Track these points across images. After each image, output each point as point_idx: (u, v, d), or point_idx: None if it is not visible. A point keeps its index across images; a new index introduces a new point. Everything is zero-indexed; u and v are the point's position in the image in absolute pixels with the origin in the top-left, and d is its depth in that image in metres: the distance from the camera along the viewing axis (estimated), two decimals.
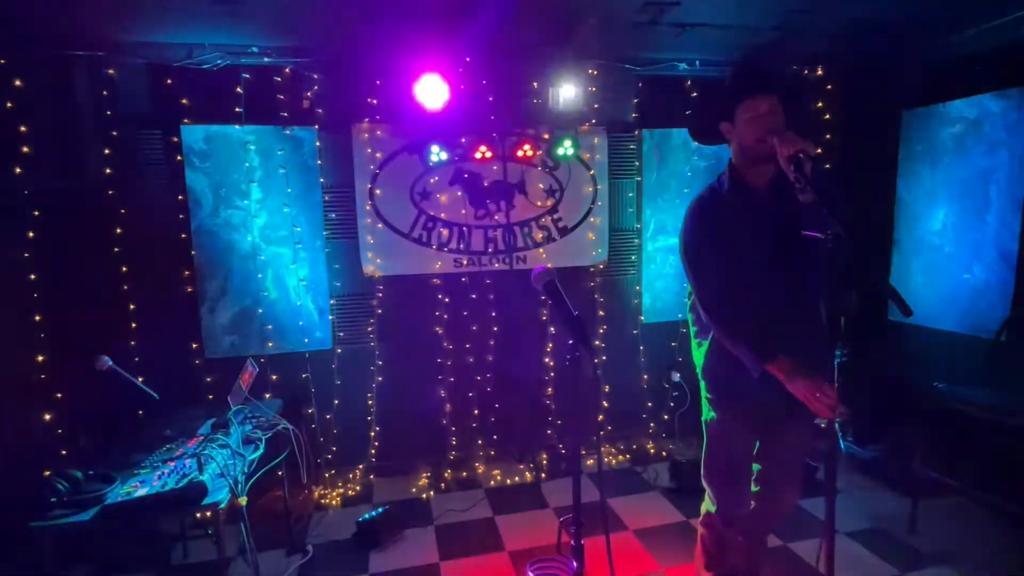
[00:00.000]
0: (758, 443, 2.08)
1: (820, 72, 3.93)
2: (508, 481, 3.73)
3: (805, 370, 1.74)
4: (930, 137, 3.63)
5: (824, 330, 1.92)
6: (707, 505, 2.21)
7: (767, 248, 1.85)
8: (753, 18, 3.18)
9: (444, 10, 2.89)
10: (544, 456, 3.91)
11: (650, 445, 4.08)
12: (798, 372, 1.75)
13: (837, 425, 3.69)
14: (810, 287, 1.86)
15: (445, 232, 3.79)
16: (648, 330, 4.16)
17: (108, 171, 3.26)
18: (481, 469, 3.85)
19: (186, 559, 2.96)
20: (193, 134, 3.36)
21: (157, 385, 2.69)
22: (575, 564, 1.80)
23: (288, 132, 3.49)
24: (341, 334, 3.73)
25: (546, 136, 3.80)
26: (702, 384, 2.12)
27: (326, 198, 3.62)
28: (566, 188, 3.92)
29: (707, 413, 2.11)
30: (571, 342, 1.71)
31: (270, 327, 3.57)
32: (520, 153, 3.78)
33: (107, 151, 3.25)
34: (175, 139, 3.34)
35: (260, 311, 3.55)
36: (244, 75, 3.35)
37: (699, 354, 2.10)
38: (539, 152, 3.82)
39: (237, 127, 3.41)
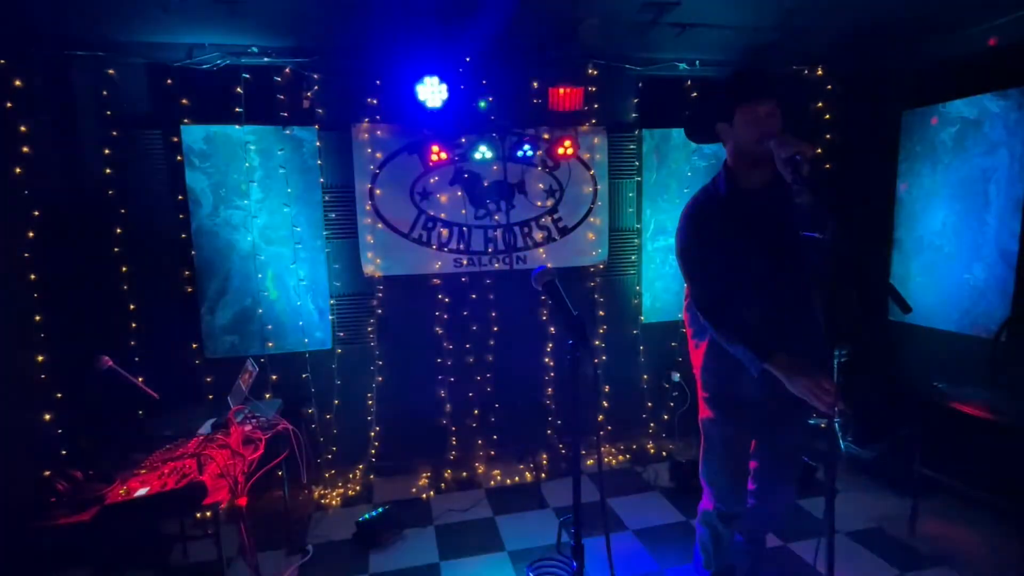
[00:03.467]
0: (755, 441, 2.09)
1: (820, 72, 3.93)
2: (508, 481, 3.73)
3: (804, 367, 1.74)
4: (930, 137, 3.63)
5: (822, 329, 1.92)
6: (705, 504, 2.22)
7: (763, 249, 1.85)
8: (753, 18, 3.18)
9: (444, 10, 2.90)
10: (544, 456, 3.91)
11: (650, 445, 4.08)
12: (797, 369, 1.74)
13: (837, 425, 3.69)
14: (808, 287, 1.86)
15: (445, 232, 3.79)
16: (648, 330, 4.16)
17: (108, 171, 3.27)
18: (481, 469, 3.85)
19: (186, 559, 2.96)
20: (193, 134, 3.36)
21: (157, 385, 2.69)
22: (575, 564, 1.80)
23: (288, 132, 3.49)
24: (341, 334, 3.73)
25: (546, 136, 3.80)
26: (699, 384, 2.12)
27: (326, 198, 3.62)
28: (566, 188, 3.92)
29: (704, 412, 2.11)
30: (571, 342, 1.71)
31: (270, 327, 3.57)
32: (520, 153, 3.78)
33: (107, 151, 3.26)
34: (175, 139, 3.34)
35: (260, 311, 3.55)
36: (244, 75, 3.36)
37: (696, 355, 2.10)
38: (539, 152, 3.82)
39: (237, 127, 3.41)
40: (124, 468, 2.25)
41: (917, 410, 2.99)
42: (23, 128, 2.97)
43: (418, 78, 3.32)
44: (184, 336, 3.45)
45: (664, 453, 3.98)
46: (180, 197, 3.39)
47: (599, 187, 3.97)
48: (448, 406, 3.86)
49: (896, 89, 3.80)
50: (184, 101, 3.31)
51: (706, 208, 1.95)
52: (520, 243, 3.90)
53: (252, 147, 3.45)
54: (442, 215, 3.77)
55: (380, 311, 3.74)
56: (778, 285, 1.87)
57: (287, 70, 3.41)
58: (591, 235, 4.00)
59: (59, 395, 3.04)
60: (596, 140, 3.93)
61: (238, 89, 3.36)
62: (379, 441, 3.78)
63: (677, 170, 4.08)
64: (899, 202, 3.86)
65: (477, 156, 3.72)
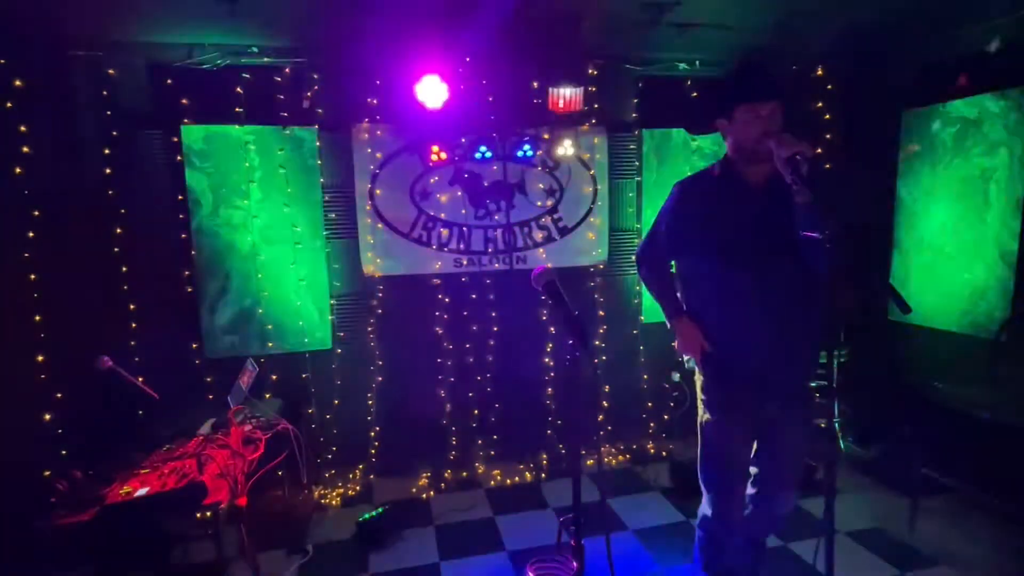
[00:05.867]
0: (756, 445, 2.08)
1: (820, 72, 3.93)
2: (508, 481, 3.73)
3: (698, 333, 2.01)
4: (930, 137, 3.63)
5: (807, 330, 1.91)
6: (703, 506, 2.22)
7: (745, 241, 1.84)
8: (753, 18, 3.19)
9: (444, 10, 2.90)
10: (544, 456, 3.91)
11: (650, 445, 4.08)
12: (693, 332, 2.02)
13: (837, 425, 3.68)
14: (801, 288, 1.85)
15: (445, 232, 3.79)
16: (648, 330, 4.16)
17: (108, 171, 3.27)
18: (481, 469, 3.85)
19: (186, 559, 2.96)
20: (193, 134, 3.36)
21: (157, 385, 2.69)
22: (575, 564, 1.80)
23: (288, 132, 3.49)
24: (341, 334, 3.73)
25: (546, 136, 3.80)
26: (696, 385, 2.13)
27: (326, 198, 3.62)
28: (566, 188, 3.92)
29: (702, 415, 2.11)
30: (571, 342, 1.71)
31: (270, 327, 3.57)
32: (520, 153, 3.78)
33: (107, 151, 3.26)
34: (175, 139, 3.34)
35: (260, 311, 3.55)
36: (244, 75, 3.36)
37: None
38: (539, 152, 3.82)
39: (237, 127, 3.41)
40: (124, 468, 2.25)
41: (917, 410, 2.99)
42: (23, 128, 2.97)
43: (418, 78, 3.31)
44: (184, 336, 3.45)
45: (664, 453, 3.98)
46: (180, 197, 3.39)
47: (599, 187, 3.97)
48: (448, 406, 3.85)
49: (896, 89, 3.80)
50: (184, 101, 3.31)
51: (694, 184, 2.02)
52: (520, 243, 3.90)
53: (252, 147, 3.45)
54: (442, 215, 3.77)
55: (380, 311, 3.74)
56: (763, 283, 1.86)
57: (287, 70, 3.41)
58: (591, 235, 4.00)
59: (59, 395, 3.04)
60: (596, 140, 3.93)
61: (238, 89, 3.35)
62: (379, 441, 3.78)
63: (677, 170, 4.07)
64: (899, 202, 3.86)
65: (477, 156, 3.72)
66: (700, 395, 2.11)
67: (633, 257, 2.39)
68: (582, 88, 3.64)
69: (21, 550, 2.45)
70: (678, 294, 2.14)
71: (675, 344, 2.13)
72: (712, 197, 1.91)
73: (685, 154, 4.07)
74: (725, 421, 2.03)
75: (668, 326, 2.15)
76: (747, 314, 1.88)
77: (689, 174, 2.14)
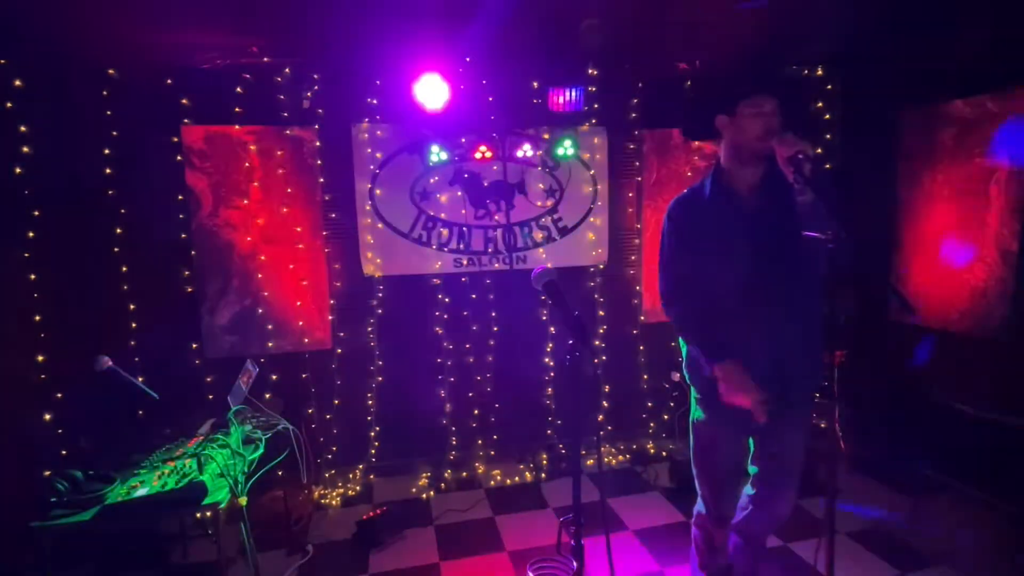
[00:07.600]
0: (755, 446, 2.08)
1: (820, 72, 3.93)
2: (508, 481, 3.73)
3: (748, 378, 1.79)
4: (930, 137, 3.63)
5: (808, 339, 1.90)
6: (698, 504, 2.22)
7: (743, 252, 1.84)
8: (753, 18, 3.18)
9: (444, 10, 2.89)
10: (544, 456, 3.91)
11: (650, 445, 4.08)
12: (743, 378, 1.79)
13: (837, 425, 3.68)
14: (793, 297, 1.84)
15: (445, 232, 3.79)
16: (648, 330, 4.16)
17: (108, 171, 3.27)
18: (481, 469, 3.85)
19: (186, 559, 2.96)
20: (193, 134, 3.36)
21: (157, 385, 2.69)
22: (575, 564, 1.80)
23: (288, 132, 3.49)
24: (341, 334, 3.73)
25: (546, 136, 3.80)
26: (689, 382, 2.12)
27: (326, 198, 3.62)
28: (566, 188, 3.92)
29: (695, 413, 2.10)
30: (571, 342, 1.71)
31: (270, 327, 3.57)
32: (520, 153, 3.78)
33: (107, 151, 3.26)
34: (175, 139, 3.34)
35: (260, 311, 3.55)
36: (244, 75, 3.36)
37: (686, 350, 2.10)
38: (539, 152, 3.82)
39: (237, 127, 3.41)
40: (124, 468, 2.25)
41: (917, 410, 2.99)
42: (23, 128, 2.97)
43: (418, 78, 3.32)
44: (184, 336, 3.45)
45: (664, 453, 3.98)
46: (180, 197, 3.39)
47: (599, 187, 3.97)
48: (448, 406, 3.86)
49: (896, 89, 3.80)
50: (184, 101, 3.31)
51: (687, 206, 1.99)
52: (520, 243, 3.90)
53: (252, 147, 3.45)
54: (442, 215, 3.77)
55: (380, 311, 3.74)
56: (762, 290, 1.85)
57: (287, 70, 3.41)
58: (591, 235, 4.00)
59: (59, 395, 3.04)
60: (596, 140, 3.93)
61: (238, 89, 3.36)
62: (379, 441, 3.78)
63: (677, 170, 4.08)
64: (899, 202, 3.86)
65: (477, 156, 3.72)
66: (695, 393, 2.10)
67: (659, 287, 2.08)
68: (582, 88, 3.64)
69: (21, 550, 2.45)
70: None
71: (720, 391, 1.84)
72: (705, 217, 1.90)
73: (685, 154, 4.07)
74: (718, 421, 2.02)
75: (707, 372, 1.87)
76: (747, 328, 1.87)
77: (678, 195, 2.05)
